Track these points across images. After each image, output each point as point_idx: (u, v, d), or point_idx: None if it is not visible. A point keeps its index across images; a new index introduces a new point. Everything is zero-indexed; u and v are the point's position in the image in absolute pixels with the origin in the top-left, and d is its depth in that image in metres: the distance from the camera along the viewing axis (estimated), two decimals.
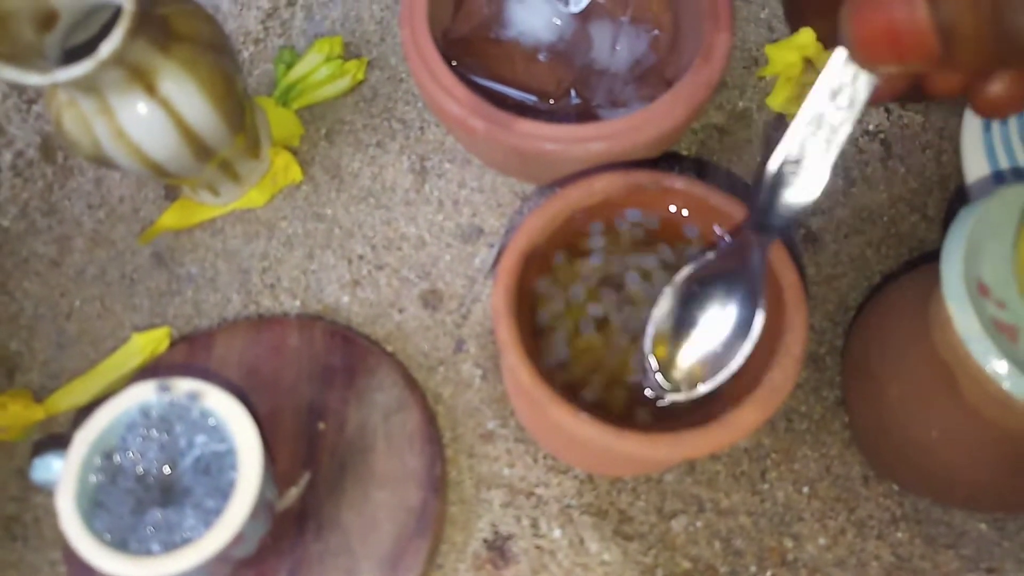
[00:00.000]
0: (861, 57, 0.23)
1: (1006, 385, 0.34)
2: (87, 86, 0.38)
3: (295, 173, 0.51)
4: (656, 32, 0.50)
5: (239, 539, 0.34)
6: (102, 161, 0.42)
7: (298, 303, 0.49)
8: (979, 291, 0.36)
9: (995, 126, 0.46)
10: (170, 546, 0.34)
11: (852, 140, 0.53)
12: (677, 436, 0.34)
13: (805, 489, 0.45)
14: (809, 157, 0.32)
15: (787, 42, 0.53)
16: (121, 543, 0.34)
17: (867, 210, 0.52)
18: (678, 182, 0.39)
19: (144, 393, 0.36)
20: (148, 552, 0.34)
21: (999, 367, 0.34)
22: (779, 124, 0.54)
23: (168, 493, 0.36)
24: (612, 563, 0.43)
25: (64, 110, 0.40)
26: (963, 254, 0.36)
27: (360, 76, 0.54)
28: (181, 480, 0.36)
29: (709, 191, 0.39)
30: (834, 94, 0.29)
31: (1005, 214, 0.37)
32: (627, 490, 0.45)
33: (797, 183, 0.33)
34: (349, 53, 0.55)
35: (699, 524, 0.44)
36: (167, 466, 0.36)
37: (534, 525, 0.43)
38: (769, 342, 0.37)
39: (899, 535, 0.44)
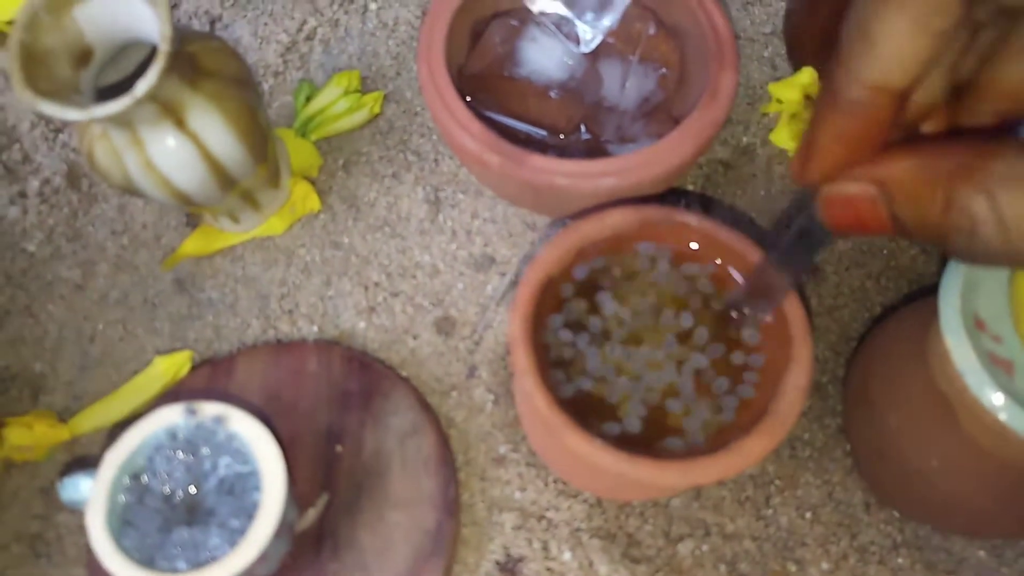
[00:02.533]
0: (828, 224, 0.27)
1: (1003, 417, 0.35)
2: (121, 121, 0.39)
3: (314, 202, 0.53)
4: (664, 70, 0.52)
5: (262, 558, 0.36)
6: (131, 191, 0.44)
7: (316, 328, 0.50)
8: (976, 325, 0.37)
9: None
10: (196, 564, 0.35)
11: None
12: (687, 463, 0.36)
13: (808, 515, 0.46)
14: None
15: (789, 81, 0.55)
16: (148, 561, 0.35)
17: (867, 243, 0.53)
18: (690, 218, 0.40)
19: (172, 416, 0.37)
20: (175, 570, 0.35)
21: (996, 399, 0.35)
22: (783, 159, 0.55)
23: (193, 513, 0.37)
24: None
25: (96, 142, 0.42)
26: (960, 289, 0.37)
27: (377, 109, 0.56)
28: (206, 500, 0.37)
29: (719, 227, 0.40)
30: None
31: None
32: (635, 514, 0.46)
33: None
34: (366, 87, 0.57)
35: (705, 548, 0.45)
36: (192, 486, 0.38)
37: (545, 548, 0.45)
38: (775, 373, 0.38)
39: (900, 561, 0.46)
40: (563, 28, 0.51)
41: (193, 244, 0.52)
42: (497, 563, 0.44)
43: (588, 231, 0.40)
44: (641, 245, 0.41)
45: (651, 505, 0.46)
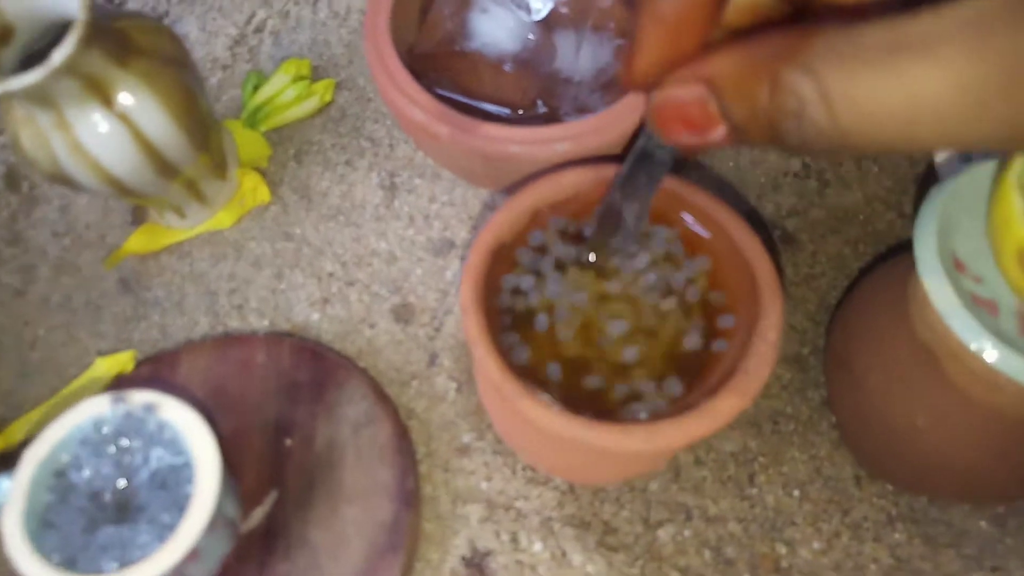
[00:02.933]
0: (664, 139, 0.26)
1: (990, 360, 0.33)
2: (42, 98, 0.37)
3: (263, 194, 0.51)
4: (620, 41, 0.50)
5: (195, 555, 0.33)
6: (62, 179, 0.42)
7: (267, 323, 0.47)
8: (955, 267, 0.35)
9: None
10: (123, 563, 0.32)
11: None
12: (652, 426, 0.33)
13: (795, 492, 0.44)
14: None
15: None
16: (70, 563, 0.32)
17: (842, 210, 0.51)
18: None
19: (97, 407, 0.35)
20: (99, 571, 0.32)
21: (981, 342, 0.33)
22: None
23: (123, 511, 0.34)
24: (597, 575, 0.41)
25: (21, 127, 0.40)
26: (936, 230, 0.35)
27: (328, 97, 0.54)
28: (137, 496, 0.35)
29: (681, 184, 0.38)
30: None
31: (976, 191, 0.36)
32: (610, 500, 0.43)
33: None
34: (318, 76, 0.55)
35: (687, 533, 0.42)
36: (122, 482, 0.35)
37: (514, 539, 0.42)
38: (744, 332, 0.35)
39: (896, 536, 0.43)
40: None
41: (137, 241, 0.49)
42: (463, 558, 0.41)
43: (543, 192, 0.38)
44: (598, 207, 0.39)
45: (627, 490, 0.43)
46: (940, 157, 0.45)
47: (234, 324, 0.48)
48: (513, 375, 0.34)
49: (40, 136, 0.39)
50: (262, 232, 0.50)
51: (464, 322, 0.35)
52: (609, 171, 0.38)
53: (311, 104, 0.53)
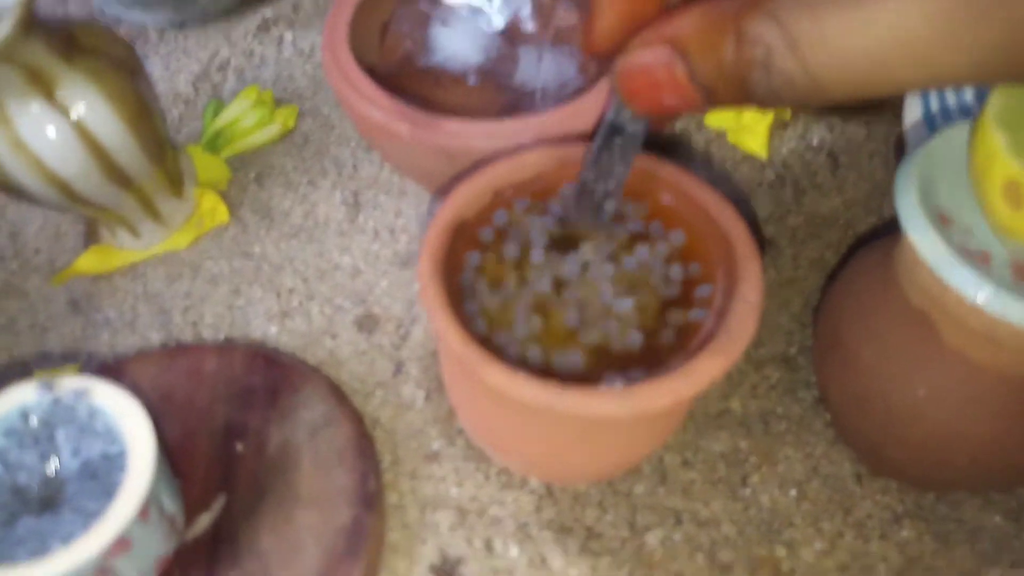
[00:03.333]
0: (633, 108, 0.26)
1: (990, 308, 0.31)
2: None
3: (222, 214, 0.49)
4: (583, 57, 0.50)
5: (124, 545, 0.29)
6: (5, 184, 0.40)
7: (222, 337, 0.45)
8: (941, 222, 0.33)
9: None
10: (41, 554, 0.29)
11: (795, 154, 0.52)
12: (627, 389, 0.30)
13: (792, 492, 0.40)
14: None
15: None
16: None
17: (821, 216, 0.50)
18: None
19: (23, 395, 0.32)
20: (11, 560, 0.28)
21: (977, 288, 0.31)
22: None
23: (50, 504, 0.31)
24: None
25: None
26: (918, 186, 0.33)
27: (291, 124, 0.53)
28: (65, 489, 0.31)
29: (648, 159, 0.37)
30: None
31: (952, 150, 0.35)
32: (592, 504, 0.39)
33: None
34: (280, 105, 0.54)
35: (677, 537, 0.39)
36: (50, 475, 0.31)
37: (488, 546, 0.38)
38: (724, 299, 0.33)
39: (904, 534, 0.39)
40: (472, 10, 0.49)
41: (88, 261, 0.47)
42: (432, 566, 0.37)
43: (504, 171, 0.36)
44: (567, 187, 0.37)
45: (610, 493, 0.40)
46: (909, 122, 0.45)
47: (188, 340, 0.45)
48: (475, 344, 0.31)
49: None
50: (220, 251, 0.48)
51: (422, 294, 0.32)
52: (574, 151, 0.37)
53: (273, 130, 0.52)
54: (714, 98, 0.24)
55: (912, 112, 0.45)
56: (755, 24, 0.22)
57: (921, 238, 0.33)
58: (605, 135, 0.32)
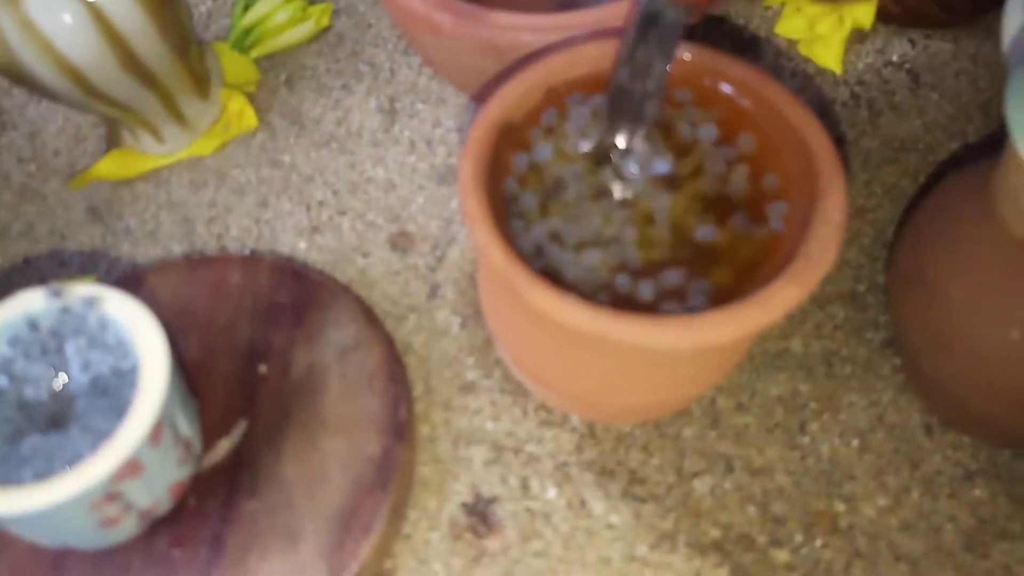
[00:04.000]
0: None
1: None
2: None
3: (250, 119, 0.46)
4: None
5: (135, 468, 0.27)
6: (16, 73, 0.37)
7: (247, 252, 0.42)
8: None
9: None
10: (47, 475, 0.26)
11: (873, 70, 0.48)
12: (691, 318, 0.27)
13: (855, 442, 0.37)
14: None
15: None
16: None
17: (898, 139, 0.45)
18: (682, 48, 0.33)
19: (31, 301, 0.29)
20: (17, 482, 0.26)
21: None
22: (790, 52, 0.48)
23: (58, 421, 0.29)
24: (621, 527, 0.34)
25: None
26: None
27: (324, 22, 0.49)
28: (74, 405, 0.29)
29: (717, 55, 0.32)
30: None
31: None
32: (637, 446, 0.37)
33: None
34: (314, 2, 0.50)
35: (728, 486, 0.36)
36: (58, 389, 0.29)
37: (524, 486, 0.35)
38: (802, 215, 0.30)
39: (976, 493, 0.36)
40: None
41: (109, 166, 0.44)
42: (464, 505, 0.35)
43: (558, 65, 0.33)
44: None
45: (657, 436, 0.37)
46: (1010, 29, 0.39)
47: (212, 253, 0.42)
48: (520, 262, 0.28)
49: None
50: (247, 159, 0.45)
51: (462, 204, 0.29)
52: None
53: (306, 29, 0.48)
54: None
55: (1014, 19, 0.40)
56: None
57: None
58: (640, 26, 0.28)
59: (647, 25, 0.28)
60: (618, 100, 0.31)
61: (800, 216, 0.30)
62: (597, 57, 0.33)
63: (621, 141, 0.31)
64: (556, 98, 0.33)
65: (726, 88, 0.32)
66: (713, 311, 0.27)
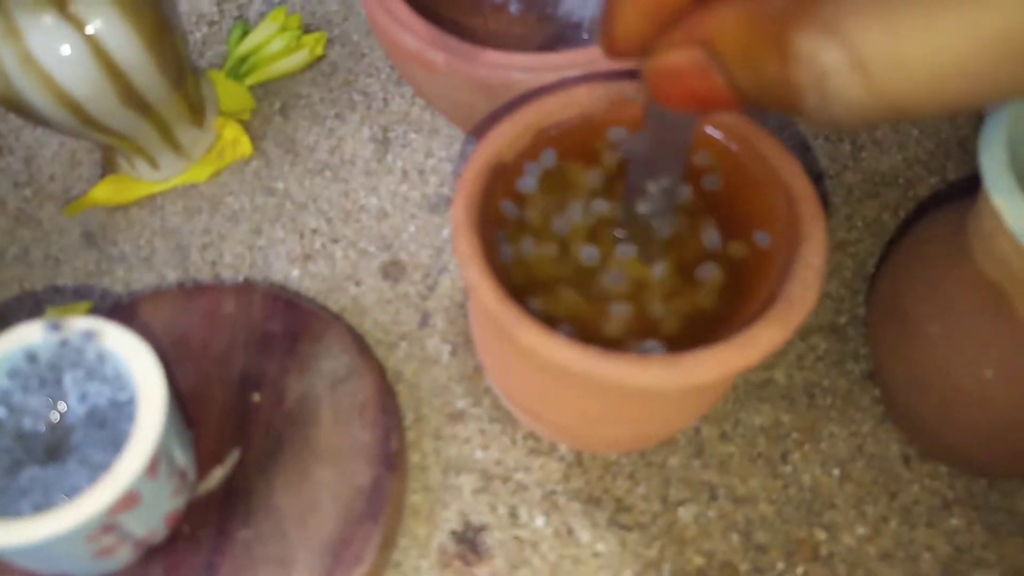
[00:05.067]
0: (666, 106, 0.22)
1: None
2: None
3: (244, 147, 0.46)
4: None
5: (132, 500, 0.27)
6: (15, 103, 0.38)
7: (241, 279, 0.43)
8: None
9: None
10: (45, 507, 0.27)
11: None
12: (675, 358, 0.28)
13: (835, 472, 0.38)
14: None
15: None
16: None
17: (879, 174, 0.46)
18: None
19: (30, 334, 0.30)
20: (15, 513, 0.27)
21: None
22: None
23: (56, 452, 0.29)
24: (607, 555, 0.35)
25: None
26: (1006, 144, 0.30)
27: (319, 51, 0.50)
28: (71, 437, 0.29)
29: None
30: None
31: None
32: (623, 475, 0.37)
33: None
34: (309, 31, 0.51)
35: (711, 514, 0.37)
36: (56, 421, 0.30)
37: (512, 514, 0.36)
38: (784, 259, 0.31)
39: (953, 522, 0.37)
40: None
41: (104, 191, 0.45)
42: (453, 533, 0.35)
43: (548, 108, 0.33)
44: (612, 131, 0.34)
45: (643, 464, 0.38)
46: None
47: (206, 280, 0.43)
48: (511, 302, 0.29)
49: None
50: (241, 186, 0.46)
51: (455, 243, 0.30)
52: (625, 88, 0.34)
53: (300, 57, 0.49)
54: (758, 106, 0.20)
55: None
56: (806, 40, 0.17)
57: (1007, 203, 0.29)
58: (653, 125, 0.28)
59: (658, 122, 0.28)
60: (635, 195, 0.31)
61: (782, 258, 0.31)
62: (586, 101, 0.34)
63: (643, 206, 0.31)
64: (545, 140, 0.33)
65: (715, 132, 0.33)
66: (697, 352, 0.28)
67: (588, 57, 0.38)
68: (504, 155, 0.33)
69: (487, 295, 0.29)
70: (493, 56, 0.38)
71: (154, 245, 0.44)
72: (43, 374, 0.30)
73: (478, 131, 0.42)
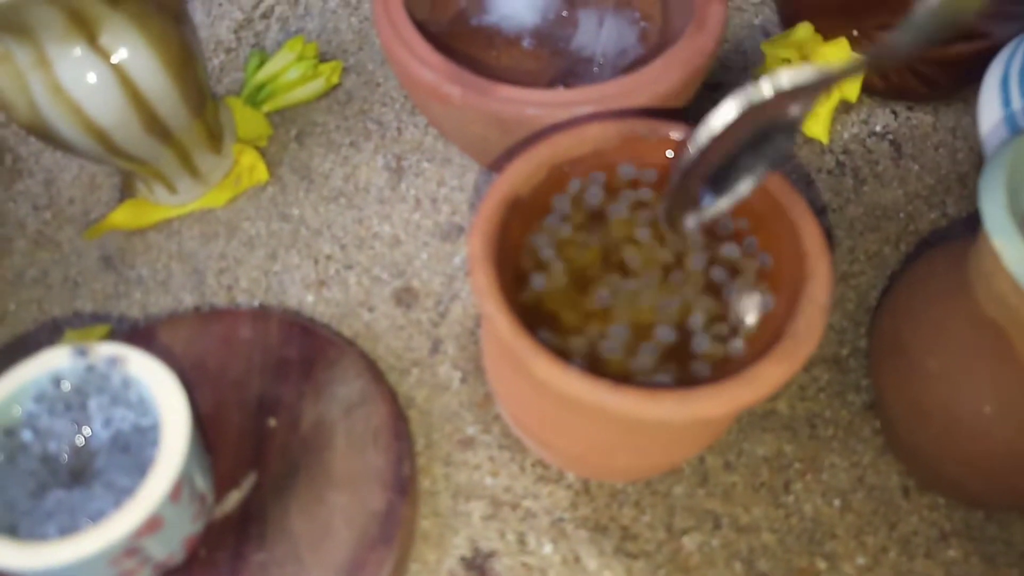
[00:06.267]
0: None
1: None
2: (21, 27, 0.34)
3: (261, 173, 0.47)
4: (645, 24, 0.48)
5: (156, 525, 0.28)
6: (41, 130, 0.39)
7: (257, 304, 0.44)
8: None
9: (1013, 69, 0.42)
10: (70, 531, 0.28)
11: (858, 140, 0.50)
12: (686, 392, 0.29)
13: (836, 502, 0.39)
14: None
15: (782, 37, 0.50)
16: (10, 528, 0.28)
17: (881, 208, 0.48)
18: (678, 131, 0.35)
19: (56, 359, 0.31)
20: (41, 536, 0.28)
21: None
22: None
23: (79, 476, 0.30)
24: None
25: None
26: (1005, 186, 0.31)
27: (335, 79, 0.51)
28: (95, 461, 0.30)
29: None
30: None
31: None
32: (629, 503, 0.38)
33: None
34: (325, 60, 0.52)
35: (715, 543, 0.38)
36: (80, 445, 0.30)
37: (521, 540, 0.37)
38: (790, 295, 0.32)
39: (951, 553, 0.38)
40: None
41: (123, 216, 0.46)
42: (463, 559, 0.36)
43: (563, 145, 0.34)
44: (623, 168, 0.36)
45: (648, 493, 0.39)
46: (987, 122, 0.42)
47: (222, 305, 0.44)
48: (526, 334, 0.30)
49: (18, 76, 0.36)
50: (257, 212, 0.47)
51: (472, 275, 0.31)
52: (637, 126, 0.35)
53: (316, 86, 0.50)
54: None
55: (990, 112, 0.42)
56: None
57: (1006, 245, 0.30)
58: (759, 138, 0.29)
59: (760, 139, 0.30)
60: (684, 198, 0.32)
61: (788, 295, 0.32)
62: (599, 138, 0.35)
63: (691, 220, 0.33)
64: (559, 175, 0.34)
65: None
66: (705, 387, 0.29)
67: (600, 94, 0.39)
68: (520, 190, 0.34)
69: (503, 327, 0.30)
70: (508, 91, 0.39)
71: (171, 269, 0.45)
72: (68, 399, 0.31)
73: (495, 166, 0.43)
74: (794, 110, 0.29)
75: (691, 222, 0.32)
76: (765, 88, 0.28)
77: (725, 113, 0.28)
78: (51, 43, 0.36)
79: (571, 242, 0.34)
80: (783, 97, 0.28)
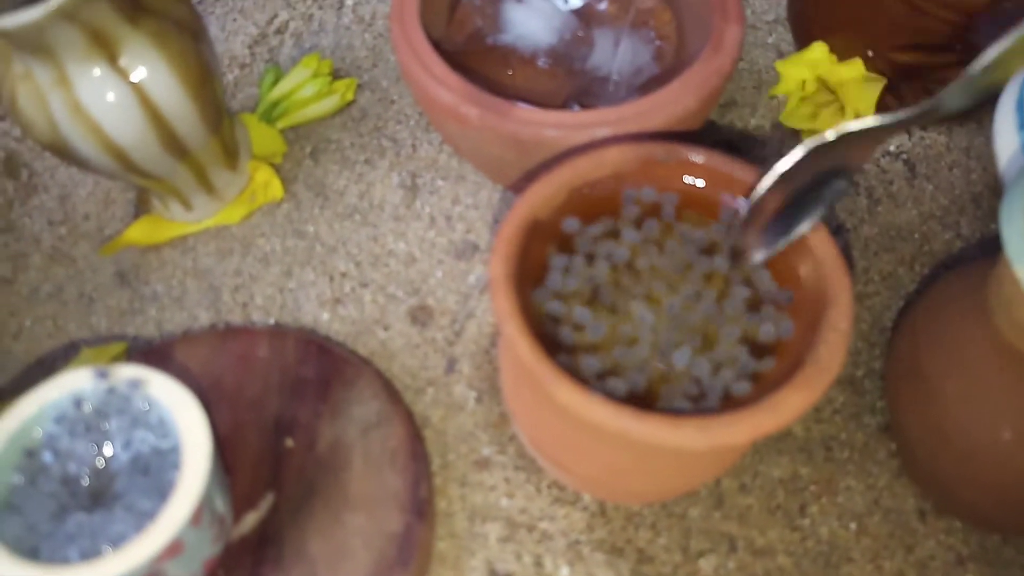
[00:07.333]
0: None
1: None
2: (41, 47, 0.35)
3: (276, 190, 0.47)
4: (660, 43, 0.48)
5: (176, 549, 0.28)
6: (61, 148, 0.39)
7: (272, 321, 0.44)
8: None
9: None
10: (91, 554, 0.28)
11: (872, 160, 0.50)
12: (706, 420, 0.29)
13: (852, 525, 0.39)
14: None
15: (797, 57, 0.50)
16: (31, 551, 0.28)
17: (895, 228, 0.48)
18: (697, 154, 0.35)
19: (77, 381, 0.31)
20: (63, 560, 0.27)
21: None
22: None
23: (99, 498, 0.30)
24: None
25: (18, 84, 0.37)
26: None
27: (349, 96, 0.51)
28: (115, 483, 0.30)
29: (731, 162, 0.35)
30: None
31: None
32: (645, 525, 0.38)
33: None
34: (339, 76, 0.52)
35: (731, 565, 0.38)
36: (100, 466, 0.30)
37: (537, 563, 0.37)
38: (811, 321, 0.32)
39: None
40: None
41: (138, 232, 0.46)
42: None
43: (582, 168, 0.35)
44: (643, 191, 0.36)
45: (664, 515, 0.38)
46: (1004, 151, 0.42)
47: (236, 322, 0.44)
48: (548, 358, 0.30)
49: (38, 95, 0.37)
50: (272, 229, 0.47)
51: (494, 298, 0.31)
52: (656, 150, 0.35)
53: (331, 102, 0.50)
54: None
55: (1006, 135, 0.42)
56: None
57: None
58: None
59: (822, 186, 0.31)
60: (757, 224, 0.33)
61: (807, 320, 0.32)
62: (618, 161, 0.35)
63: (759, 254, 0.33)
64: (579, 198, 0.35)
65: (743, 202, 0.34)
66: (727, 414, 0.29)
67: (618, 115, 0.39)
68: (539, 212, 0.34)
69: (524, 351, 0.30)
70: (525, 112, 0.39)
71: (186, 285, 0.45)
72: (89, 420, 0.31)
73: (513, 187, 0.43)
74: (854, 156, 0.31)
75: (758, 256, 0.33)
76: (830, 135, 0.30)
77: (793, 157, 0.30)
78: (71, 62, 0.36)
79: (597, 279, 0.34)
80: (846, 143, 0.30)
